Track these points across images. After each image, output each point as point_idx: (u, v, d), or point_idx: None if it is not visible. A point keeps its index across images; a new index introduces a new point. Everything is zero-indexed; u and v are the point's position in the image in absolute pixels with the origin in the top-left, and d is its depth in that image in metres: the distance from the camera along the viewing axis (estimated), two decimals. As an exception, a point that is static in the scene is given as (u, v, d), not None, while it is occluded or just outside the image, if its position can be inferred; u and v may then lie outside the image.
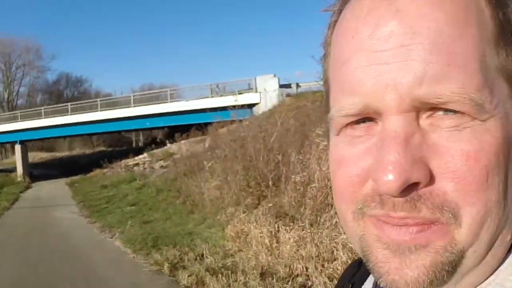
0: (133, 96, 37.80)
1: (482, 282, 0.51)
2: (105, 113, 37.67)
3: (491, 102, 0.46)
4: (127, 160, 29.95)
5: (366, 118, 0.51)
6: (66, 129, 37.76)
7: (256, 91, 27.29)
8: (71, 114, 36.83)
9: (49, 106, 44.57)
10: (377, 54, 0.48)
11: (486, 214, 0.47)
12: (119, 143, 69.33)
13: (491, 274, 0.51)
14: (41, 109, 41.05)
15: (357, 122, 0.52)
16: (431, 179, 0.47)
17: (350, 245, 5.62)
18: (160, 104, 33.96)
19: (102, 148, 65.45)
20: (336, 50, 0.54)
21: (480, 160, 0.46)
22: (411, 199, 0.47)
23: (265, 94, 26.21)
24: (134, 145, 65.59)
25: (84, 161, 47.08)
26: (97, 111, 38.48)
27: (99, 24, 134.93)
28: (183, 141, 24.42)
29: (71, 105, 38.66)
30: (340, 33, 0.54)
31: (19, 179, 35.96)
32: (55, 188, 29.36)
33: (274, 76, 27.57)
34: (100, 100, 40.80)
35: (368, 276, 0.70)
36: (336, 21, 0.56)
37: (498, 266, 0.51)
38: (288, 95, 25.89)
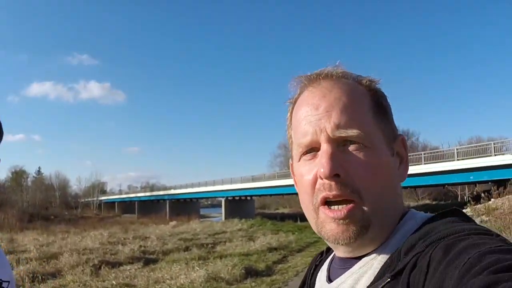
0: (457, 149, 36.81)
1: (380, 239, 0.89)
2: (429, 166, 37.49)
3: (373, 141, 0.89)
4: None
5: (312, 148, 0.92)
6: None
7: None
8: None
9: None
10: (316, 116, 0.91)
11: (377, 197, 0.87)
12: (444, 197, 67.91)
13: (387, 236, 0.90)
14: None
15: (307, 152, 0.93)
16: (348, 176, 0.86)
17: None
18: (483, 158, 32.33)
19: (427, 201, 64.82)
20: (295, 118, 0.98)
21: (369, 166, 0.87)
22: (338, 184, 0.86)
23: None
24: (459, 199, 63.51)
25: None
26: (420, 164, 38.57)
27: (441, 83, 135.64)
28: (510, 196, 22.79)
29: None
30: (297, 109, 0.98)
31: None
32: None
33: None
34: (424, 153, 40.89)
35: (327, 259, 1.10)
36: (294, 104, 1.02)
37: (390, 232, 0.90)
38: None
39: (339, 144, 0.88)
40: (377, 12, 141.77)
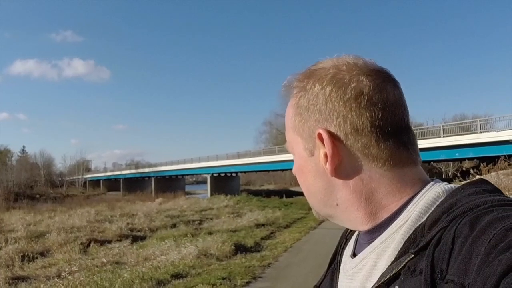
0: (443, 126, 37.07)
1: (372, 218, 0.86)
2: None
3: (314, 151, 0.87)
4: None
5: None
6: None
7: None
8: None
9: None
10: None
11: (310, 199, 0.93)
12: (429, 174, 68.20)
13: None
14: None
15: None
16: None
17: None
18: (470, 135, 32.53)
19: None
20: None
21: (296, 172, 0.94)
22: None
23: None
24: (443, 176, 64.24)
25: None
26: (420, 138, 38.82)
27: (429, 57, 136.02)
28: (492, 173, 23.03)
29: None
30: None
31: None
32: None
33: None
34: (410, 130, 41.07)
35: (355, 232, 1.02)
36: None
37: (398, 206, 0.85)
38: None
39: None
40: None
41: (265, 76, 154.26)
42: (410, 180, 0.84)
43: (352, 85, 0.82)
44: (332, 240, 16.60)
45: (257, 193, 50.10)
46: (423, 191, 0.82)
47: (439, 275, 0.67)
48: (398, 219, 0.81)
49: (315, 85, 0.86)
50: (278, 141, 78.24)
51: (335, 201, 0.88)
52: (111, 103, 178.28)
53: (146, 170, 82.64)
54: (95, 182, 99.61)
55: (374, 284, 0.79)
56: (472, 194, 0.75)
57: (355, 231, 1.04)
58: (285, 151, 50.38)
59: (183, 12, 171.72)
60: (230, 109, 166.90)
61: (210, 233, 16.67)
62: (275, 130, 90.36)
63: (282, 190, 60.02)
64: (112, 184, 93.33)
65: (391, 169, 0.82)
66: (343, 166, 0.84)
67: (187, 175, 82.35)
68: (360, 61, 0.86)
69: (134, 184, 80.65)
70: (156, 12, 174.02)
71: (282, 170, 65.58)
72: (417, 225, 0.78)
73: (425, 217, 0.77)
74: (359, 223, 0.86)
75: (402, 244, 0.78)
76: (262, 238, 16.51)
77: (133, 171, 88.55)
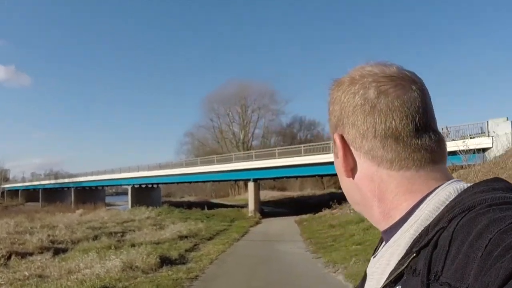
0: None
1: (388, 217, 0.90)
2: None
3: (338, 154, 0.92)
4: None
5: None
6: (297, 169, 38.69)
7: (488, 135, 25.50)
8: (303, 155, 37.55)
9: (282, 147, 45.38)
10: None
11: (347, 196, 0.99)
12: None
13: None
14: (275, 150, 42.93)
15: None
16: None
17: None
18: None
19: (332, 190, 65.89)
20: None
21: (338, 171, 0.96)
22: None
23: (497, 138, 24.30)
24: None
25: (314, 201, 48.70)
26: (329, 153, 39.47)
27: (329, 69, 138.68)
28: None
29: (303, 146, 39.36)
30: None
31: (249, 215, 38.11)
32: (284, 225, 30.93)
33: (507, 119, 25.46)
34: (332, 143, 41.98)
35: None
36: None
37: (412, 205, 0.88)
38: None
39: None
40: None
41: (185, 84, 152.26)
42: (423, 180, 0.87)
43: (360, 93, 0.90)
44: (256, 252, 16.92)
45: (178, 205, 49.62)
46: (437, 190, 0.85)
47: (433, 276, 0.69)
48: (410, 218, 0.84)
49: (336, 93, 0.95)
50: (200, 153, 77.91)
51: (356, 199, 0.95)
52: (30, 111, 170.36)
53: (66, 180, 79.99)
54: (14, 193, 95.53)
55: (384, 282, 0.83)
56: (478, 193, 0.76)
57: None
58: (207, 163, 50.47)
59: (108, 21, 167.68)
60: (152, 119, 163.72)
61: (133, 245, 16.55)
62: (197, 142, 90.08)
63: (203, 202, 59.78)
64: (30, 194, 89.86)
65: (399, 170, 0.87)
66: (356, 168, 0.92)
67: (108, 186, 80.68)
68: (377, 68, 0.92)
69: (54, 195, 77.90)
70: (77, 19, 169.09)
71: (204, 181, 65.45)
72: (426, 225, 0.80)
73: (434, 216, 0.80)
74: (377, 222, 0.92)
75: (410, 243, 0.81)
76: (186, 250, 16.64)
77: (52, 181, 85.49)
